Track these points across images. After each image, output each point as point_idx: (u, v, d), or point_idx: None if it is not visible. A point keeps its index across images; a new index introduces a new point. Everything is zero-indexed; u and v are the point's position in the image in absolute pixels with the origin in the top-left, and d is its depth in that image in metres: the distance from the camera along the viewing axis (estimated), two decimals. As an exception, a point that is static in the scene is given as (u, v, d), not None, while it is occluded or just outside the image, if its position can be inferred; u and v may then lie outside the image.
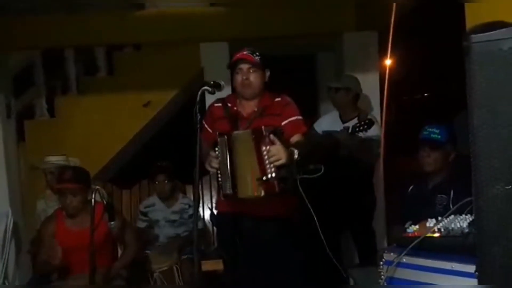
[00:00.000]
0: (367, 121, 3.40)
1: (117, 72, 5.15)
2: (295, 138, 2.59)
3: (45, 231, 3.09)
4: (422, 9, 4.34)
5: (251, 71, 2.60)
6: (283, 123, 2.60)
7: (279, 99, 2.66)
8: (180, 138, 3.76)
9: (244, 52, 2.61)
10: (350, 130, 3.45)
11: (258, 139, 2.40)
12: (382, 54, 4.58)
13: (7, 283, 3.97)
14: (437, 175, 2.77)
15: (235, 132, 2.53)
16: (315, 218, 2.47)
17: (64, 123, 4.91)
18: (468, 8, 2.25)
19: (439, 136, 2.73)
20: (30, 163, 4.42)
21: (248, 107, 2.67)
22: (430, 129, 2.77)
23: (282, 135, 2.48)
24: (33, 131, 4.92)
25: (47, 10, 4.10)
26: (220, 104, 2.72)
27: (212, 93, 2.47)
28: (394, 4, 3.39)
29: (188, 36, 4.37)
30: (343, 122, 3.71)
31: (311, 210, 2.46)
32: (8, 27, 4.12)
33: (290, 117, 2.62)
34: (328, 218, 3.67)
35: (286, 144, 2.45)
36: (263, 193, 2.40)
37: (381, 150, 3.64)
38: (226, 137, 2.48)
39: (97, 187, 2.76)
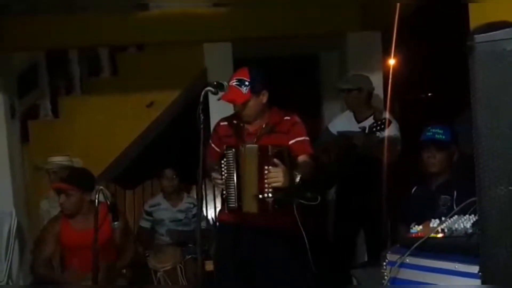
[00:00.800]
0: (383, 120, 3.38)
1: (120, 72, 5.16)
2: (301, 159, 2.58)
3: (50, 231, 3.11)
4: (425, 9, 4.33)
5: (242, 104, 2.55)
6: (290, 142, 2.57)
7: (288, 118, 2.63)
8: (184, 138, 3.78)
9: (234, 84, 2.51)
10: (367, 130, 3.41)
11: (263, 157, 2.39)
12: (386, 54, 4.57)
13: (11, 283, 3.99)
14: (440, 176, 2.76)
15: (242, 145, 2.50)
16: (304, 235, 2.46)
17: (68, 123, 4.93)
18: (472, 8, 2.24)
19: (444, 137, 2.72)
20: (34, 164, 4.43)
21: (255, 124, 2.64)
22: (434, 130, 2.76)
23: (288, 157, 2.45)
24: (37, 132, 4.93)
25: (50, 10, 4.11)
26: (226, 123, 2.71)
27: (215, 93, 2.46)
28: (398, 4, 3.38)
29: (191, 37, 4.38)
30: (358, 122, 3.67)
31: (302, 231, 2.45)
32: (12, 28, 4.14)
33: (297, 137, 2.59)
34: (345, 219, 3.70)
35: (291, 165, 2.43)
36: (256, 210, 2.41)
37: (399, 148, 3.60)
38: (234, 150, 2.46)
39: (101, 187, 2.77)
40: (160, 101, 4.96)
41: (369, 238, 3.80)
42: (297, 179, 2.41)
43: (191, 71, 4.86)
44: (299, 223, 2.45)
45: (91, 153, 4.24)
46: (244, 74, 2.54)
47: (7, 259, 3.95)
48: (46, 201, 3.93)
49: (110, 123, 4.87)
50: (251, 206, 2.43)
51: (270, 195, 2.37)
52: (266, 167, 2.37)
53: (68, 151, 4.11)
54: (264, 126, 2.61)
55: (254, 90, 2.52)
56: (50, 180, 3.91)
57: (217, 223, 2.85)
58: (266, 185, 2.37)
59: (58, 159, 3.91)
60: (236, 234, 2.63)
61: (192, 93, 4.92)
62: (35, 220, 4.19)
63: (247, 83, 2.50)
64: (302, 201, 2.46)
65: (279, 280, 2.59)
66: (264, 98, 2.59)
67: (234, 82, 2.52)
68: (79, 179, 3.07)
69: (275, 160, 2.37)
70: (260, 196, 2.38)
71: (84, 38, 4.32)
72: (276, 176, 2.35)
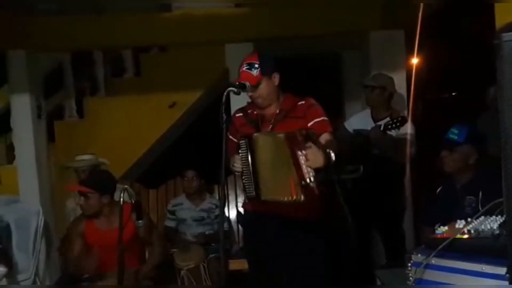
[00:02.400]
0: (399, 118, 3.36)
1: (143, 73, 5.23)
2: (324, 137, 2.56)
3: (74, 230, 3.17)
4: (449, 7, 4.28)
5: (254, 87, 2.56)
6: (309, 125, 2.58)
7: (302, 102, 2.64)
8: (206, 138, 3.80)
9: (244, 69, 2.56)
10: (382, 128, 3.41)
11: (293, 143, 2.35)
12: (409, 53, 4.53)
13: (37, 280, 4.07)
14: (463, 176, 2.73)
15: (256, 134, 2.52)
16: (349, 219, 2.43)
17: (93, 123, 5.01)
18: (498, 7, 2.22)
19: (456, 137, 2.70)
20: (61, 163, 4.51)
21: (269, 110, 2.65)
22: (451, 129, 2.75)
23: (315, 138, 2.43)
24: (63, 132, 5.03)
25: (76, 11, 4.19)
26: (241, 114, 2.74)
27: (237, 93, 2.48)
28: (422, 3, 3.35)
29: (214, 37, 4.40)
30: (375, 121, 3.66)
31: (346, 212, 2.42)
32: (39, 29, 4.23)
33: (315, 118, 2.59)
34: (358, 218, 3.68)
35: (320, 146, 2.41)
36: (303, 198, 2.34)
37: (414, 149, 3.58)
38: (247, 139, 2.48)
39: (126, 186, 2.80)
40: (182, 102, 5.01)
41: (386, 239, 3.78)
42: (332, 156, 2.35)
43: (213, 72, 4.89)
44: (341, 200, 2.41)
45: (115, 152, 4.31)
46: (253, 58, 2.58)
47: (34, 256, 4.03)
48: (72, 200, 3.99)
49: (134, 123, 4.94)
50: (297, 195, 2.35)
51: (312, 179, 2.33)
52: (299, 152, 2.33)
53: (92, 150, 4.18)
54: (278, 111, 2.62)
55: (265, 72, 2.56)
56: (78, 178, 3.95)
57: (242, 212, 2.87)
58: (306, 170, 2.33)
59: (86, 158, 3.98)
60: (261, 222, 2.63)
61: (214, 94, 4.96)
62: (61, 218, 4.28)
63: (256, 65, 2.54)
64: (344, 176, 2.41)
65: (302, 269, 2.59)
66: (276, 80, 2.61)
67: (244, 67, 2.57)
68: (97, 182, 3.11)
69: (305, 142, 2.33)
70: (303, 182, 2.33)
71: (108, 40, 4.39)
72: (314, 157, 2.31)
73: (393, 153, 3.49)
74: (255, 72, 2.54)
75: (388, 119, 3.54)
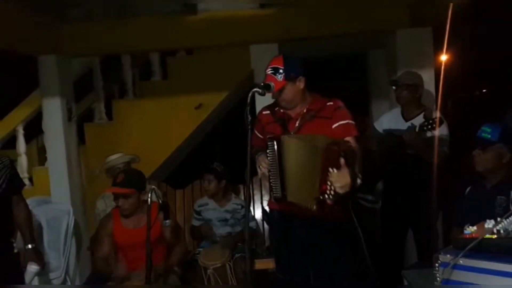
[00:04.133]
0: (435, 119, 3.29)
1: (170, 76, 5.29)
2: (346, 140, 2.57)
3: (103, 230, 3.23)
4: (478, 4, 4.18)
5: (278, 91, 2.58)
6: (333, 126, 2.59)
7: (331, 103, 2.64)
8: (231, 139, 3.82)
9: (269, 73, 2.57)
10: (417, 129, 3.35)
11: (329, 158, 2.36)
12: (438, 50, 4.44)
13: (68, 279, 4.17)
14: (494, 176, 2.67)
15: (285, 136, 2.54)
16: (359, 229, 2.45)
17: (121, 125, 5.10)
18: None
19: (489, 136, 2.64)
20: (94, 169, 4.61)
21: (296, 110, 2.67)
22: (484, 128, 2.68)
23: (352, 158, 2.41)
24: (93, 134, 5.13)
25: (104, 17, 4.28)
26: (268, 111, 2.76)
27: (262, 94, 2.49)
28: (451, 5, 3.29)
29: (239, 39, 4.42)
30: (406, 120, 3.59)
31: (359, 229, 2.44)
32: (69, 35, 4.34)
33: (340, 121, 2.60)
34: (393, 219, 3.64)
35: (354, 167, 2.39)
36: (314, 208, 2.41)
37: (447, 149, 3.52)
38: (275, 141, 2.50)
39: (153, 186, 2.84)
40: (208, 103, 5.05)
41: (419, 239, 3.71)
42: (358, 181, 2.37)
43: (238, 73, 4.92)
44: (355, 220, 2.44)
45: (143, 154, 4.36)
46: (278, 63, 2.58)
47: (64, 255, 4.13)
48: (103, 201, 4.07)
49: (161, 125, 5.01)
50: (310, 204, 2.41)
51: (331, 197, 2.35)
52: (330, 169, 2.34)
53: (121, 152, 4.25)
54: (305, 111, 2.63)
55: (289, 77, 2.56)
56: (111, 178, 3.95)
57: (269, 212, 2.89)
58: (329, 187, 2.35)
59: (117, 156, 4.05)
60: (286, 221, 2.65)
61: (239, 95, 4.98)
62: (91, 218, 4.37)
63: (281, 71, 2.55)
64: (363, 203, 2.44)
65: (328, 268, 2.59)
66: (301, 84, 2.61)
67: (269, 71, 2.58)
68: (135, 181, 3.17)
69: (342, 160, 2.32)
70: (321, 197, 2.37)
71: (135, 44, 4.46)
72: (342, 179, 2.32)
73: (426, 153, 3.42)
74: (279, 78, 2.54)
75: (421, 118, 3.46)
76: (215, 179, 3.93)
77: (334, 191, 2.34)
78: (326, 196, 2.35)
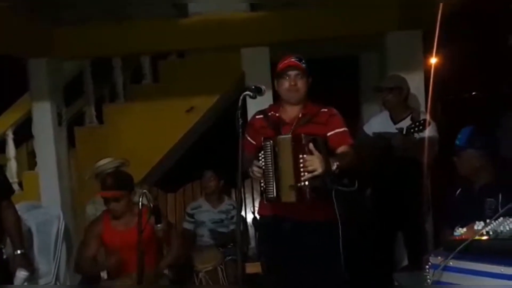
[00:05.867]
0: (422, 121, 3.32)
1: (161, 79, 5.28)
2: (341, 150, 2.60)
3: (92, 232, 3.21)
4: (467, 7, 4.22)
5: (298, 77, 2.65)
6: (328, 134, 2.61)
7: (325, 110, 2.67)
8: (223, 142, 3.81)
9: (292, 59, 2.65)
10: (404, 131, 3.37)
11: (297, 146, 2.42)
12: (427, 53, 4.47)
13: (58, 284, 4.13)
14: (479, 179, 2.69)
15: (279, 136, 2.55)
16: (339, 224, 2.47)
17: (112, 129, 5.08)
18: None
19: (458, 142, 2.68)
20: (84, 173, 4.56)
21: (291, 113, 2.68)
22: (459, 134, 2.71)
23: (323, 145, 2.47)
24: (83, 137, 5.11)
25: (95, 19, 4.26)
26: (261, 116, 2.76)
27: (253, 97, 2.49)
28: (441, 5, 3.31)
29: (230, 42, 4.43)
30: (395, 122, 3.62)
31: (339, 219, 2.46)
32: (60, 38, 4.32)
33: (336, 129, 2.63)
34: (382, 219, 3.65)
35: (326, 154, 2.44)
36: (294, 199, 2.43)
37: (437, 150, 3.54)
38: (271, 141, 2.50)
39: (144, 190, 2.83)
40: (199, 106, 5.05)
41: (409, 241, 3.73)
42: (334, 166, 2.42)
43: (230, 76, 4.92)
44: (336, 211, 2.46)
45: (134, 157, 4.34)
46: (299, 56, 2.68)
47: (55, 260, 4.10)
48: (92, 206, 4.04)
49: (152, 128, 4.99)
50: (289, 196, 2.45)
51: (306, 183, 2.39)
52: (301, 156, 2.40)
53: (112, 155, 4.22)
54: (300, 116, 2.64)
55: (308, 69, 2.66)
56: (100, 183, 3.94)
57: (258, 218, 2.88)
58: (302, 174, 2.39)
59: (107, 161, 4.02)
60: (276, 227, 2.65)
61: (230, 98, 4.98)
62: (82, 223, 4.33)
63: (303, 61, 2.66)
64: (339, 187, 2.45)
65: (317, 272, 2.59)
66: (310, 83, 2.69)
67: (292, 58, 2.66)
68: (124, 183, 3.16)
69: (310, 147, 2.39)
70: (298, 184, 2.40)
71: (127, 46, 4.45)
72: (311, 163, 2.38)
73: (415, 155, 3.44)
74: (302, 64, 2.65)
75: (409, 120, 3.49)
76: (215, 176, 3.94)
77: (309, 176, 2.37)
78: (302, 183, 2.38)
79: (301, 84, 2.65)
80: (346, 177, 2.50)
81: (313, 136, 2.45)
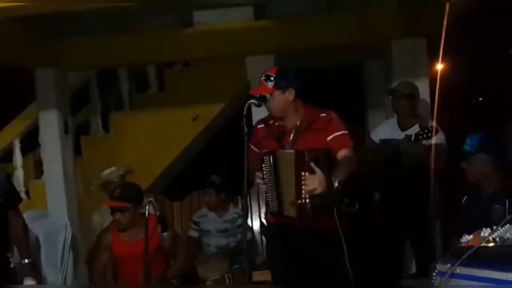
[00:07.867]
0: (430, 128, 3.31)
1: (167, 88, 5.31)
2: (342, 154, 2.59)
3: (102, 242, 3.22)
4: (474, 13, 4.22)
5: (271, 99, 2.60)
6: (328, 138, 2.61)
7: (324, 114, 2.67)
8: (228, 150, 3.83)
9: (261, 79, 2.65)
10: (413, 138, 3.36)
11: (299, 163, 2.44)
12: (432, 60, 4.47)
13: (66, 292, 4.14)
14: (488, 185, 2.67)
15: (279, 150, 2.56)
16: (342, 239, 2.45)
17: (118, 138, 5.10)
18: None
19: (468, 147, 2.66)
20: (90, 181, 4.59)
21: (290, 121, 2.68)
22: (466, 139, 2.70)
23: (326, 159, 2.48)
24: (89, 146, 5.13)
25: (101, 31, 4.31)
26: (262, 125, 2.77)
27: (258, 106, 2.51)
28: (447, 9, 3.31)
29: (235, 51, 4.45)
30: (402, 130, 3.61)
31: (342, 238, 2.45)
32: (67, 49, 4.36)
33: (335, 132, 2.62)
34: (389, 227, 3.63)
35: (330, 169, 2.44)
36: (295, 214, 2.45)
37: (445, 157, 3.52)
38: (271, 156, 2.52)
39: (150, 199, 2.84)
40: (205, 115, 5.07)
41: (417, 249, 3.71)
42: (336, 184, 2.41)
43: (235, 85, 4.93)
44: (339, 227, 2.45)
45: (140, 165, 4.36)
46: (272, 71, 2.65)
47: (62, 269, 4.11)
48: (98, 215, 4.06)
49: (158, 137, 5.01)
50: (290, 211, 2.47)
51: (307, 200, 2.40)
52: (303, 173, 2.41)
53: (118, 164, 4.25)
54: (299, 123, 2.64)
55: (278, 86, 2.60)
56: (106, 192, 3.95)
57: (265, 224, 2.90)
58: (303, 191, 2.41)
59: (113, 169, 4.04)
60: (283, 234, 2.66)
61: (236, 106, 4.99)
62: (88, 232, 4.34)
63: (272, 78, 2.61)
64: (340, 206, 2.45)
65: (324, 280, 2.59)
66: (290, 96, 2.63)
67: (262, 77, 2.66)
68: (131, 195, 3.17)
69: (312, 165, 2.40)
70: (299, 201, 2.41)
71: (132, 56, 4.48)
72: (313, 183, 2.39)
73: (423, 163, 3.42)
74: (269, 85, 2.60)
75: (417, 128, 3.48)
76: (215, 193, 3.96)
77: (309, 194, 2.38)
78: (303, 200, 2.39)
79: (273, 103, 2.60)
80: (348, 195, 2.50)
81: (316, 153, 2.46)
